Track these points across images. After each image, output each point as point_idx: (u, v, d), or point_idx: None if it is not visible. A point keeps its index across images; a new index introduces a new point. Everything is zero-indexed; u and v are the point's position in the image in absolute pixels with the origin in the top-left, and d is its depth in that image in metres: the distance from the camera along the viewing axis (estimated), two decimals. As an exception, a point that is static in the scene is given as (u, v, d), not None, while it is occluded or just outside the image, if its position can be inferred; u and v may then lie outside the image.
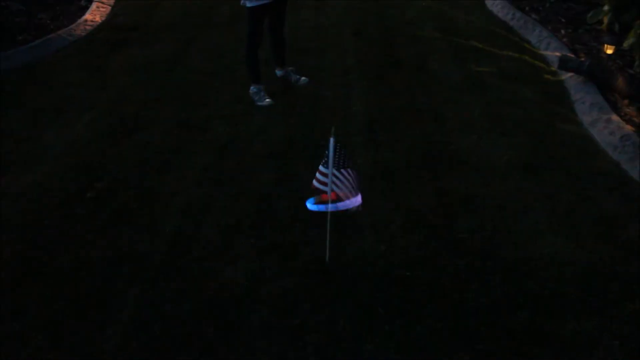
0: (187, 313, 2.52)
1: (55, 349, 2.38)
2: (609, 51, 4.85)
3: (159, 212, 3.14)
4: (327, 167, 2.54)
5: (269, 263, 2.79)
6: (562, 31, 5.45)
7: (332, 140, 2.46)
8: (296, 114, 4.14)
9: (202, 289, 2.64)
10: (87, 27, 5.82)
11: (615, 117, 3.91)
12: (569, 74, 4.58)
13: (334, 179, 2.59)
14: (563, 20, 5.68)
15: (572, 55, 4.76)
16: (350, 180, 2.62)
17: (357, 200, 2.67)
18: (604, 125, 3.87)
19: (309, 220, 2.98)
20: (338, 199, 2.67)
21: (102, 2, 6.46)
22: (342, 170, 2.57)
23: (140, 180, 3.41)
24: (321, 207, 2.70)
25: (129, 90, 4.56)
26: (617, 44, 4.85)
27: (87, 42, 5.55)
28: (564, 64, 4.54)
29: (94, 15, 6.11)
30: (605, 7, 5.05)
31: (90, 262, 2.81)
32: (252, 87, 4.35)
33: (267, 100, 4.28)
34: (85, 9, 6.22)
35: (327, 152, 2.51)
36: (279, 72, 4.65)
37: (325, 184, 2.59)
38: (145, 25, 5.98)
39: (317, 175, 2.59)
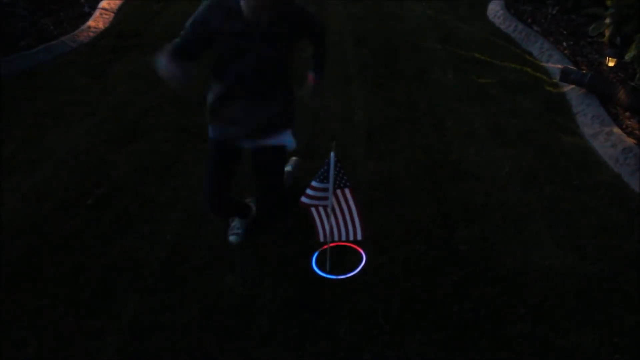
0: (186, 321, 2.51)
1: (54, 355, 2.36)
2: (611, 64, 4.86)
3: (158, 219, 3.14)
4: (321, 183, 2.51)
5: (269, 271, 2.78)
6: (564, 43, 5.47)
7: (332, 155, 2.43)
8: (297, 123, 4.13)
9: (201, 297, 2.63)
10: (90, 34, 5.84)
11: (616, 130, 3.91)
12: (571, 86, 4.59)
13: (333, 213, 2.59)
14: (565, 32, 5.70)
15: (574, 68, 4.77)
16: (349, 216, 2.61)
17: (358, 235, 2.67)
18: (605, 138, 3.87)
19: (309, 229, 2.97)
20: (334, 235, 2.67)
21: (106, 9, 6.48)
22: (339, 193, 2.54)
23: (141, 187, 3.41)
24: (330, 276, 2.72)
25: (130, 97, 4.56)
26: (618, 56, 4.86)
27: (90, 48, 5.57)
28: (565, 76, 4.54)
29: (97, 21, 6.13)
30: (607, 20, 5.07)
31: (90, 268, 2.80)
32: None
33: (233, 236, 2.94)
34: (88, 15, 6.24)
35: (324, 167, 2.48)
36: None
37: (316, 198, 2.56)
38: (148, 32, 6.00)
39: (308, 191, 2.55)
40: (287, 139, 2.72)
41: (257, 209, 2.98)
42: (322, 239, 2.70)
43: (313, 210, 2.63)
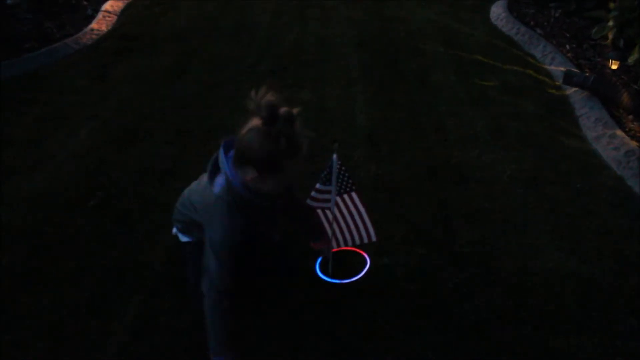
0: (188, 323, 2.50)
1: (54, 356, 2.36)
2: (614, 66, 4.85)
3: (160, 221, 3.13)
4: (324, 185, 2.50)
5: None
6: (567, 46, 5.46)
7: (335, 157, 2.41)
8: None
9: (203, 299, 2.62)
10: (93, 36, 5.85)
11: (619, 133, 3.90)
12: (574, 89, 4.58)
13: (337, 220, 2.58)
14: (567, 35, 5.69)
15: (577, 70, 4.76)
16: (359, 220, 2.59)
17: (372, 237, 2.65)
18: (608, 141, 3.86)
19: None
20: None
21: (109, 12, 6.50)
22: (346, 197, 2.52)
23: (142, 188, 3.41)
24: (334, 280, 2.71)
25: (133, 99, 4.57)
26: (621, 59, 4.86)
27: (93, 50, 5.58)
28: (568, 78, 4.54)
29: (100, 24, 6.14)
30: (610, 23, 5.06)
31: (91, 270, 2.80)
32: None
33: None
34: (91, 18, 6.25)
35: (327, 170, 2.46)
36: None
37: (321, 200, 2.56)
38: (151, 34, 6.01)
39: (314, 193, 2.53)
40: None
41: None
42: (335, 246, 2.69)
43: (320, 212, 2.62)
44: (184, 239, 2.65)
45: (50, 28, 5.83)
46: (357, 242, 2.66)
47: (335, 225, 2.61)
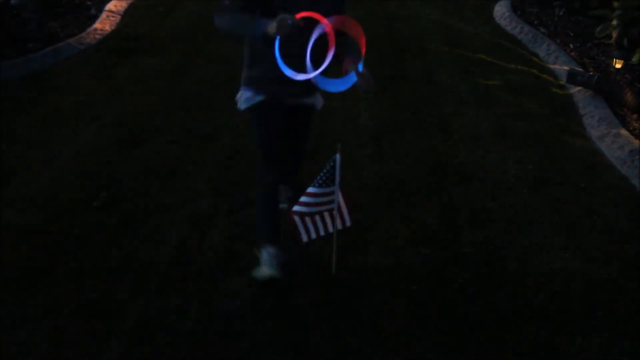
0: (191, 324, 2.50)
1: (57, 358, 2.36)
2: (618, 65, 4.84)
3: (164, 222, 3.14)
4: (325, 187, 2.48)
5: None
6: (571, 45, 5.45)
7: (338, 157, 2.41)
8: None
9: (206, 300, 2.63)
10: (97, 36, 5.86)
11: (623, 132, 3.89)
12: (578, 88, 4.57)
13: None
14: (572, 34, 5.68)
15: (581, 69, 4.75)
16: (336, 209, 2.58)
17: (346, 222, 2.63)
18: (612, 140, 3.85)
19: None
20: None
21: (112, 11, 6.51)
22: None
23: (146, 189, 3.41)
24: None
25: (137, 99, 4.57)
26: (625, 58, 4.84)
27: (97, 50, 5.59)
28: (572, 77, 4.52)
29: (104, 24, 6.15)
30: (614, 22, 5.05)
31: (95, 270, 2.80)
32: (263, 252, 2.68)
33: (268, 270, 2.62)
34: (95, 17, 6.26)
35: (326, 170, 2.46)
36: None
37: (319, 204, 2.53)
38: (154, 34, 6.02)
39: (307, 199, 2.49)
40: (319, 99, 2.79)
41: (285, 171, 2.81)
42: (304, 239, 2.64)
43: (317, 217, 2.59)
44: (254, 98, 2.65)
45: (54, 28, 5.84)
46: (330, 230, 2.62)
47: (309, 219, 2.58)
